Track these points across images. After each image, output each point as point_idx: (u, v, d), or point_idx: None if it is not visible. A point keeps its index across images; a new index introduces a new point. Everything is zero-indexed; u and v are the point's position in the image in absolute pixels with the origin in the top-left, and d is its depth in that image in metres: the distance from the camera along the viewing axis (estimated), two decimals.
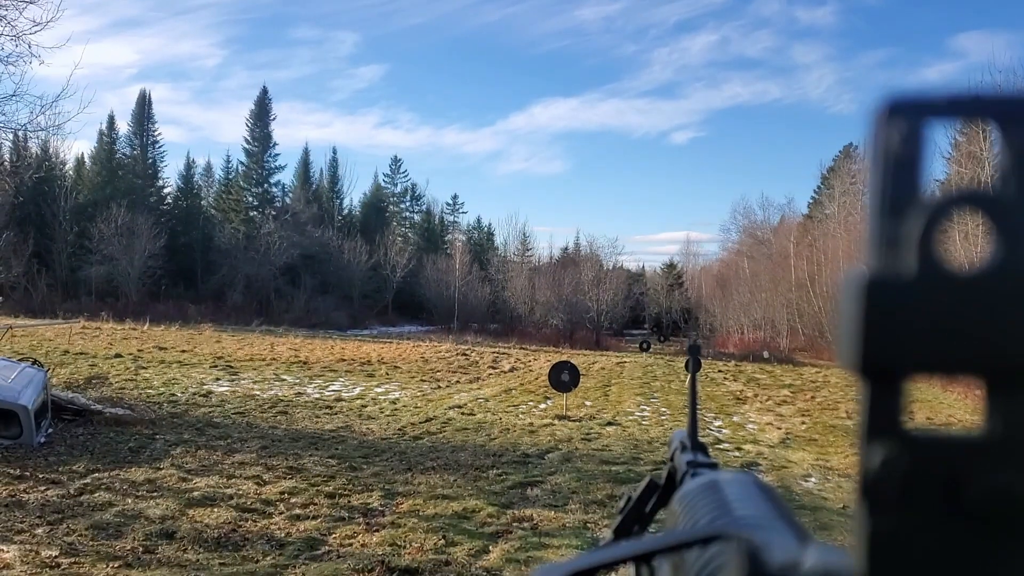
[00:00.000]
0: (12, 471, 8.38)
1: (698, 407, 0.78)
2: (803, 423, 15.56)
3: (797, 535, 0.43)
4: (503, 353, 30.68)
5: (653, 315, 70.36)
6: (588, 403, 16.83)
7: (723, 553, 0.42)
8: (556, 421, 13.86)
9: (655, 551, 0.48)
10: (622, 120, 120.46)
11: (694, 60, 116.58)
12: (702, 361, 24.98)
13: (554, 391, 15.55)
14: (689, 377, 0.83)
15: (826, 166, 60.03)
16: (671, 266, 75.33)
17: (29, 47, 13.23)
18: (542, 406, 16.00)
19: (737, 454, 11.82)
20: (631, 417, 15.22)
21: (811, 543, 0.41)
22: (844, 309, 0.26)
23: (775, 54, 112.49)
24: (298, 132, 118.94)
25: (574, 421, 13.99)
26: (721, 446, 12.51)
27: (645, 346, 42.16)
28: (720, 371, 27.90)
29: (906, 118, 0.27)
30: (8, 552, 6.00)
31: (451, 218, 75.22)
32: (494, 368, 24.36)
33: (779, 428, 14.53)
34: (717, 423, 15.22)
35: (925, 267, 0.26)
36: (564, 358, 21.98)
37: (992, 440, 0.25)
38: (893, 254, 0.26)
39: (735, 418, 15.96)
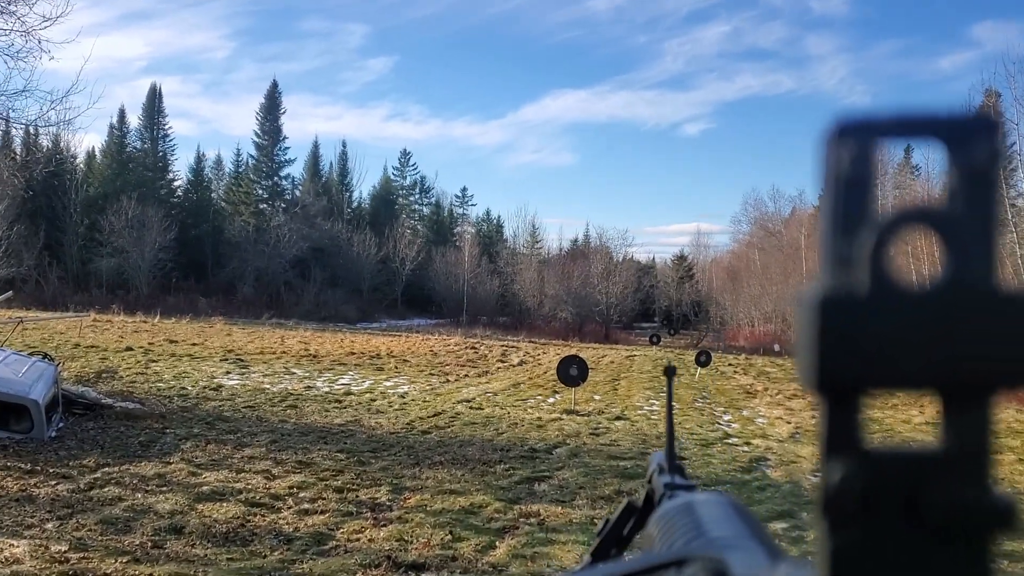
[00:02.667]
0: (23, 465, 8.44)
1: (675, 429, 0.78)
2: (813, 417, 15.50)
3: (769, 553, 0.44)
4: (512, 346, 30.70)
5: (663, 308, 70.24)
6: (597, 397, 16.83)
7: (696, 574, 0.43)
8: (564, 416, 13.86)
9: (630, 574, 0.49)
10: (633, 112, 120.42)
11: (706, 51, 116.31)
12: (712, 355, 24.96)
13: (563, 385, 15.54)
14: (666, 398, 0.82)
15: None
16: (682, 258, 75.12)
17: (39, 43, 13.30)
18: (550, 400, 16.00)
19: (746, 449, 11.79)
20: (640, 412, 15.21)
21: (782, 561, 0.42)
22: (799, 328, 0.26)
23: (788, 45, 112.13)
24: (308, 125, 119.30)
25: (582, 416, 13.99)
26: (730, 441, 12.49)
27: (655, 339, 42.04)
28: (730, 364, 27.86)
29: (855, 139, 0.27)
30: (18, 547, 6.04)
31: (460, 210, 75.34)
32: (503, 362, 24.39)
33: (789, 422, 14.48)
34: (726, 417, 15.20)
35: (877, 284, 0.26)
36: (573, 352, 21.98)
37: (948, 454, 0.25)
38: (846, 272, 0.26)
39: (744, 412, 15.94)
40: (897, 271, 0.26)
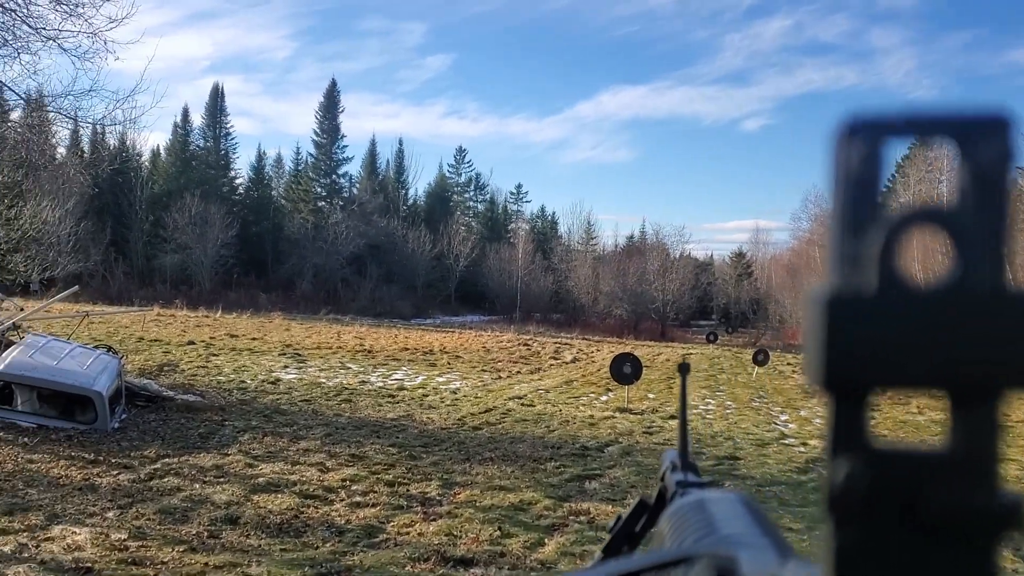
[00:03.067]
0: (87, 455, 8.69)
1: (688, 427, 0.78)
2: (872, 418, 15.16)
3: (779, 552, 0.44)
4: (565, 344, 30.62)
5: (721, 305, 69.33)
6: (651, 396, 16.69)
7: (704, 571, 0.43)
8: (617, 414, 13.78)
9: (639, 571, 0.49)
10: (692, 108, 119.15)
11: (767, 46, 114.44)
12: (770, 354, 24.59)
13: (616, 383, 15.43)
14: (679, 396, 0.82)
15: (901, 154, 58.32)
16: (740, 255, 74.00)
17: (105, 44, 13.64)
18: (603, 398, 15.93)
19: (802, 449, 11.58)
20: (695, 411, 15.03)
21: (791, 559, 0.43)
22: (809, 326, 0.27)
23: (852, 38, 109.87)
24: (365, 123, 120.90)
25: (636, 414, 13.89)
26: (786, 441, 12.28)
27: (712, 337, 41.51)
28: (789, 363, 27.39)
29: (865, 139, 0.27)
30: (80, 534, 6.23)
31: (515, 207, 75.38)
32: (556, 359, 24.34)
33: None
34: (783, 417, 14.95)
35: (885, 283, 0.26)
36: (627, 349, 21.84)
37: (954, 455, 0.25)
38: (855, 271, 0.26)
39: (802, 412, 15.65)
40: (905, 270, 0.26)
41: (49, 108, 14.34)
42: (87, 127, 15.43)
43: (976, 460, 0.25)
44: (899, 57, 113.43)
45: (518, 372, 20.28)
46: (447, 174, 72.98)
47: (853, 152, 0.28)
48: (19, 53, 13.14)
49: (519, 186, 75.71)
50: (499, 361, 22.54)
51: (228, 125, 63.72)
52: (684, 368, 0.83)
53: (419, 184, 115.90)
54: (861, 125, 0.28)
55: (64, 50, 13.48)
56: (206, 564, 5.81)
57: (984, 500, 0.25)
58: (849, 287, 0.26)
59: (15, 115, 15.50)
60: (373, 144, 68.45)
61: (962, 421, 0.26)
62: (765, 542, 0.46)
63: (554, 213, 76.10)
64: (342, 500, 7.66)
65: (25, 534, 6.18)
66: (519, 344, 28.37)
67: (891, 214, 0.27)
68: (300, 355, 20.84)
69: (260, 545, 6.31)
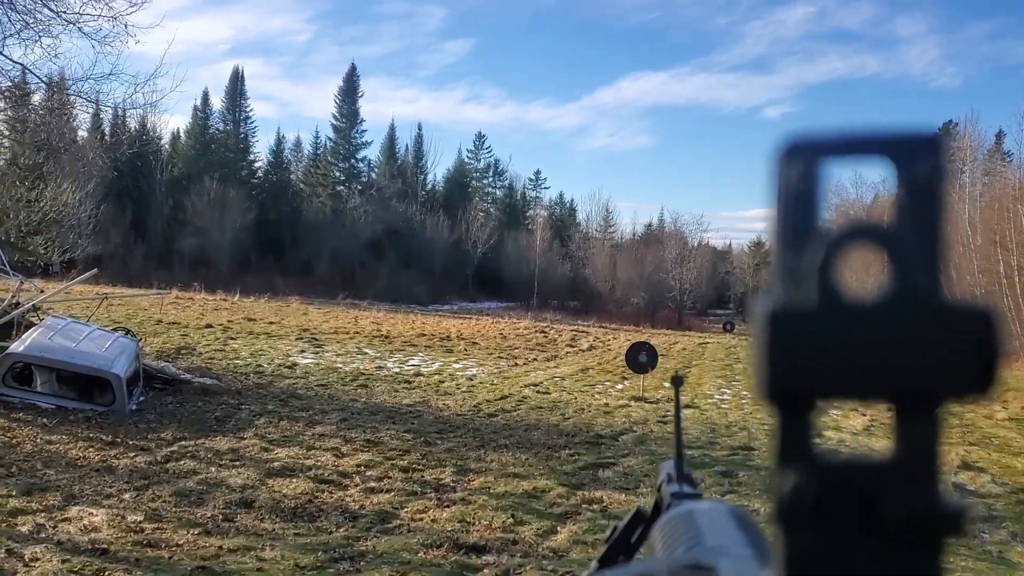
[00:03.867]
0: (105, 437, 8.77)
1: (683, 437, 0.78)
2: (889, 409, 15.05)
3: (761, 561, 0.46)
4: (582, 331, 30.56)
5: (739, 295, 69.03)
6: (666, 385, 16.61)
7: None
8: (632, 402, 13.75)
9: None
10: (711, 95, 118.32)
11: (789, 33, 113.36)
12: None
13: (632, 372, 15.38)
14: (674, 408, 0.83)
15: None
16: (759, 244, 73.49)
17: (125, 27, 13.68)
18: (619, 386, 15.89)
19: (818, 441, 11.51)
20: (710, 400, 15.00)
21: (772, 569, 0.44)
22: (753, 340, 0.27)
23: (875, 27, 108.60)
24: (385, 108, 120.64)
25: (651, 403, 13.85)
26: None
27: (729, 327, 41.43)
28: None
29: (803, 158, 0.28)
30: (97, 515, 6.28)
31: (533, 194, 75.15)
32: (572, 346, 24.30)
33: (864, 415, 14.07)
34: None
35: (825, 297, 0.27)
36: (644, 338, 21.78)
37: (900, 462, 0.26)
38: (797, 286, 0.27)
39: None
40: (845, 285, 0.27)
41: (70, 91, 14.41)
42: (107, 110, 15.51)
43: (920, 467, 0.26)
44: (923, 46, 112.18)
45: (534, 359, 20.27)
46: (466, 160, 72.87)
47: (792, 171, 0.28)
48: (40, 36, 13.21)
49: (538, 172, 75.43)
50: (515, 348, 22.54)
51: (247, 108, 63.92)
52: (677, 381, 0.83)
53: (438, 169, 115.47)
54: (799, 145, 0.29)
55: (85, 34, 13.54)
56: (220, 547, 5.85)
57: (930, 506, 0.26)
58: (791, 302, 0.27)
59: (36, 98, 15.59)
60: (392, 129, 68.42)
61: (906, 430, 0.26)
62: (748, 552, 0.47)
63: (572, 200, 75.88)
64: (356, 485, 7.69)
65: (42, 514, 6.25)
66: (536, 331, 28.34)
67: (830, 231, 0.28)
68: (317, 340, 20.92)
69: (274, 529, 6.35)
